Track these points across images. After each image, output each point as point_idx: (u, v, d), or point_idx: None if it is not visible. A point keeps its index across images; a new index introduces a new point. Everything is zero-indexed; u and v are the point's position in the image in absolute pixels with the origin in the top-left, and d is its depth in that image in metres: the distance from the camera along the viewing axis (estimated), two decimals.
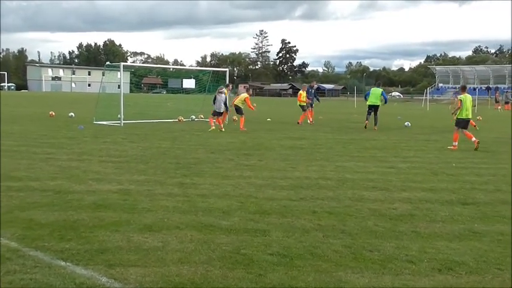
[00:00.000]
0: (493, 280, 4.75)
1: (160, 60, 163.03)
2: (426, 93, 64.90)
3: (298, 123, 24.26)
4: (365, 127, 21.71)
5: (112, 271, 4.69)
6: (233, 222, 6.51)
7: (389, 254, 5.42)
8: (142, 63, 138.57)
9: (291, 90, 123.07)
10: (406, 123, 23.38)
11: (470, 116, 15.86)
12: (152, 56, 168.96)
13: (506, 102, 54.35)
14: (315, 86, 28.07)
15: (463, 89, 16.78)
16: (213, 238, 5.79)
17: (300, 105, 25.24)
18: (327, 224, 6.52)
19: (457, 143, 15.52)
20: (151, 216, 6.71)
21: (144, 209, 7.05)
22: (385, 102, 22.87)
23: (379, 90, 22.54)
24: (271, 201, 7.68)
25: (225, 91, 20.36)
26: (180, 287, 4.40)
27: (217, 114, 19.86)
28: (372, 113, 22.13)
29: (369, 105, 22.23)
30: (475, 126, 19.59)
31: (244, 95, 21.70)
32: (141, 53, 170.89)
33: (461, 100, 15.69)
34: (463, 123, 15.72)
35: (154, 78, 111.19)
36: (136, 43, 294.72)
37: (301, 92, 25.69)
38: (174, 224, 6.35)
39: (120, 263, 4.92)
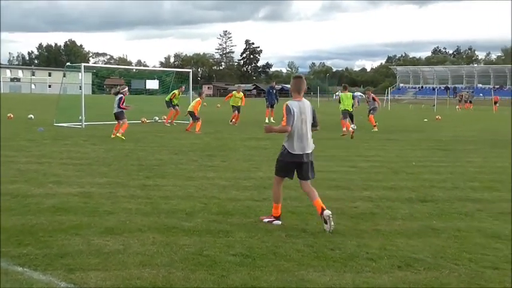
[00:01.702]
0: (450, 275, 4.88)
1: (123, 61, 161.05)
2: (387, 93, 66.12)
3: (232, 122, 24.50)
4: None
5: (72, 275, 4.61)
6: (196, 223, 6.48)
7: (350, 252, 5.50)
8: (105, 64, 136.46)
9: (255, 90, 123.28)
10: (352, 126, 21.82)
11: (350, 109, 19.99)
12: (115, 57, 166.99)
13: (469, 102, 56.24)
14: (277, 86, 28.18)
15: (345, 88, 21.69)
16: (175, 240, 5.76)
17: (232, 105, 25.04)
18: (289, 224, 6.56)
19: (345, 129, 19.07)
20: (113, 218, 6.62)
21: (106, 212, 6.96)
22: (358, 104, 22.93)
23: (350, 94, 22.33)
24: (234, 202, 7.69)
25: (126, 91, 17.43)
26: None
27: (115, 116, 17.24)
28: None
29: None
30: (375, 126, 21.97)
31: (196, 100, 20.46)
32: (103, 54, 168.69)
33: (340, 96, 20.58)
34: (345, 114, 19.96)
35: (117, 79, 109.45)
36: (98, 44, 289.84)
37: (234, 92, 25.48)
38: (136, 226, 6.29)
39: (80, 267, 4.83)
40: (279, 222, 6.59)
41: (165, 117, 25.87)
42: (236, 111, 24.73)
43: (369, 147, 15.73)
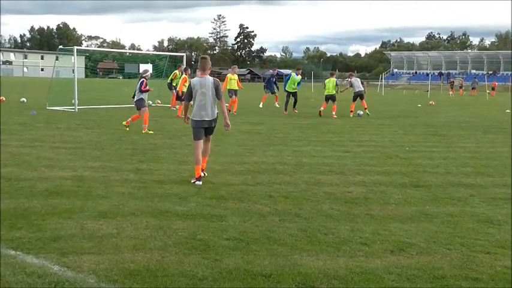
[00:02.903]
0: (442, 260, 4.91)
1: (116, 44, 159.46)
2: (381, 78, 66.09)
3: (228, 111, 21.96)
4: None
5: (65, 259, 4.60)
6: (189, 207, 6.48)
7: (343, 236, 5.52)
8: (98, 47, 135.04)
9: (249, 75, 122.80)
10: (359, 112, 21.85)
11: (332, 93, 21.03)
12: (108, 41, 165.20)
13: (471, 88, 56.73)
14: (275, 72, 28.06)
15: (331, 74, 22.46)
16: (169, 224, 5.75)
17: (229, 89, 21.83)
18: (283, 208, 6.57)
19: (322, 109, 21.18)
20: (106, 202, 6.60)
21: (99, 196, 6.94)
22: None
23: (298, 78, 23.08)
24: (228, 186, 7.69)
25: (148, 75, 15.20)
26: (135, 273, 4.35)
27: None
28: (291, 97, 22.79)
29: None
30: (365, 108, 22.08)
31: (182, 78, 19.68)
32: (96, 37, 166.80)
33: (325, 83, 21.64)
34: (327, 97, 21.24)
35: (110, 63, 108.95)
36: (91, 27, 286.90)
37: (229, 75, 22.31)
38: (130, 210, 6.28)
39: (74, 250, 4.83)
40: (200, 183, 7.79)
41: (159, 101, 25.83)
42: (234, 96, 21.92)
43: (363, 132, 15.75)
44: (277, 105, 26.32)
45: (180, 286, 4.16)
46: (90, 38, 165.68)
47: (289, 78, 23.02)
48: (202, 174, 8.00)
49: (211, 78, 8.17)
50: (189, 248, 5.01)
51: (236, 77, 22.40)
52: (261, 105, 26.18)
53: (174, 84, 22.53)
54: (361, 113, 21.80)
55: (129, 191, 7.24)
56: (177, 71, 23.05)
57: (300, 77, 23.23)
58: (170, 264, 4.59)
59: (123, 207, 6.39)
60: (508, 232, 5.83)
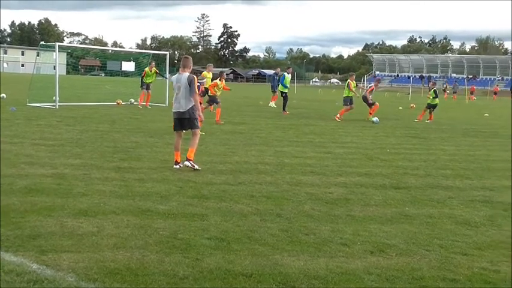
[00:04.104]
0: (421, 261, 4.97)
1: (98, 41, 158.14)
2: (363, 80, 66.54)
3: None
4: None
5: (44, 257, 4.56)
6: (171, 206, 6.46)
7: (324, 237, 5.55)
8: (80, 44, 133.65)
9: (232, 75, 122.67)
10: (374, 119, 20.63)
11: (348, 95, 21.26)
12: (90, 37, 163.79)
13: (453, 92, 57.54)
14: (280, 72, 28.24)
15: (350, 76, 22.79)
16: (150, 223, 5.73)
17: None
18: (264, 208, 6.59)
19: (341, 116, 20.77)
20: (87, 200, 6.55)
21: (79, 194, 6.88)
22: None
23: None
24: (209, 186, 7.68)
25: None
26: (115, 272, 4.33)
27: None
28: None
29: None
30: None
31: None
32: (78, 34, 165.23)
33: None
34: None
35: (92, 60, 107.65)
36: (74, 23, 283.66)
37: (205, 72, 21.14)
38: (110, 208, 6.24)
39: (53, 248, 4.78)
40: (177, 166, 8.83)
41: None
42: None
43: (344, 133, 15.85)
44: (272, 105, 26.35)
45: (160, 285, 4.15)
46: (72, 34, 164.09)
47: (284, 79, 22.93)
48: (189, 164, 8.73)
49: (187, 74, 8.86)
50: (170, 247, 5.00)
51: (210, 75, 21.27)
52: (272, 105, 26.52)
53: (145, 82, 22.83)
54: (376, 119, 20.43)
55: (110, 189, 7.19)
56: (146, 69, 23.22)
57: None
58: (151, 263, 4.58)
59: (104, 206, 6.35)
60: (485, 234, 5.93)
